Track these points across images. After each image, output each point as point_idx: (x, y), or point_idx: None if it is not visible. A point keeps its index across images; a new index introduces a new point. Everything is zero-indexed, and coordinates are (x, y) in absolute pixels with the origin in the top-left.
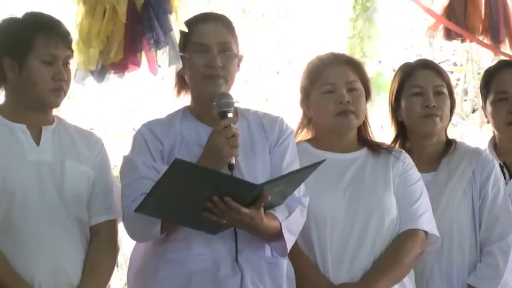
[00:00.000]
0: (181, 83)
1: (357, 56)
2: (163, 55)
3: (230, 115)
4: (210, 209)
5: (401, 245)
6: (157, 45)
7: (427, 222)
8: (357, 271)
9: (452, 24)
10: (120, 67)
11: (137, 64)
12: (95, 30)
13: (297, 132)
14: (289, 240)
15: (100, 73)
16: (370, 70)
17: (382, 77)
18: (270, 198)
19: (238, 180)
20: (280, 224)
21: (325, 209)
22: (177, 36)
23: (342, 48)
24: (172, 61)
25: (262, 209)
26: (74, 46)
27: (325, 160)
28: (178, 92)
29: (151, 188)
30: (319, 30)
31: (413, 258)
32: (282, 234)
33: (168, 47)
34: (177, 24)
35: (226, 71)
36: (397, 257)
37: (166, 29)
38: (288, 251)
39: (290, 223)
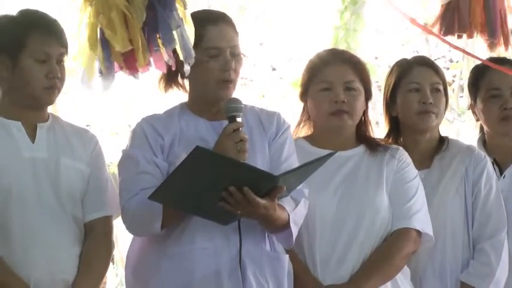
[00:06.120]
0: (171, 76)
1: (340, 47)
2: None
3: (239, 119)
4: (225, 199)
5: (392, 244)
6: (169, 43)
7: (420, 221)
8: (344, 270)
9: (438, 35)
10: (133, 68)
11: (149, 64)
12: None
13: (298, 127)
14: (295, 232)
15: (107, 80)
16: None
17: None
18: (285, 189)
19: (256, 170)
20: (289, 216)
21: (314, 207)
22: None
23: (328, 39)
24: (187, 57)
25: (276, 200)
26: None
27: (335, 153)
28: (167, 87)
29: (167, 175)
30: (317, 27)
31: (404, 258)
32: (289, 225)
33: (179, 44)
34: (185, 21)
35: (236, 74)
36: (386, 256)
37: (176, 26)
38: (293, 242)
39: (296, 215)
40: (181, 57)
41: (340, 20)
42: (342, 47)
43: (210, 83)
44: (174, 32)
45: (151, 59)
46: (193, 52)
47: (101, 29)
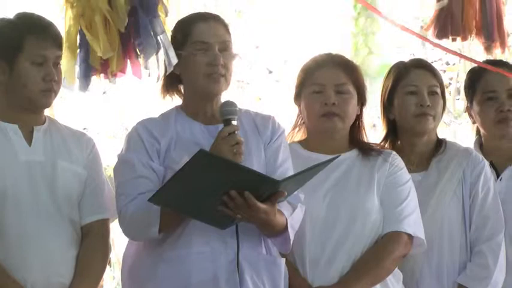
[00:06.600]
0: (171, 83)
1: (363, 53)
2: (154, 59)
3: (234, 122)
4: (225, 203)
5: (383, 247)
6: (150, 50)
7: (411, 225)
8: (334, 271)
9: (429, 40)
10: (106, 73)
11: (124, 71)
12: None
13: (293, 131)
14: (292, 236)
15: (83, 81)
16: (374, 63)
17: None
18: (286, 194)
19: (260, 175)
20: (286, 220)
21: (305, 210)
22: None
23: (336, 46)
24: (171, 62)
25: (276, 205)
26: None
27: (338, 156)
28: (165, 93)
29: (169, 177)
30: (314, 29)
31: (395, 261)
32: (286, 230)
33: (162, 50)
34: (164, 26)
35: (226, 69)
36: (377, 259)
37: (159, 32)
38: (290, 247)
39: (294, 220)
40: (162, 65)
41: (356, 27)
42: (363, 52)
43: (198, 77)
44: (157, 38)
45: (130, 65)
46: (173, 60)
47: (80, 30)
